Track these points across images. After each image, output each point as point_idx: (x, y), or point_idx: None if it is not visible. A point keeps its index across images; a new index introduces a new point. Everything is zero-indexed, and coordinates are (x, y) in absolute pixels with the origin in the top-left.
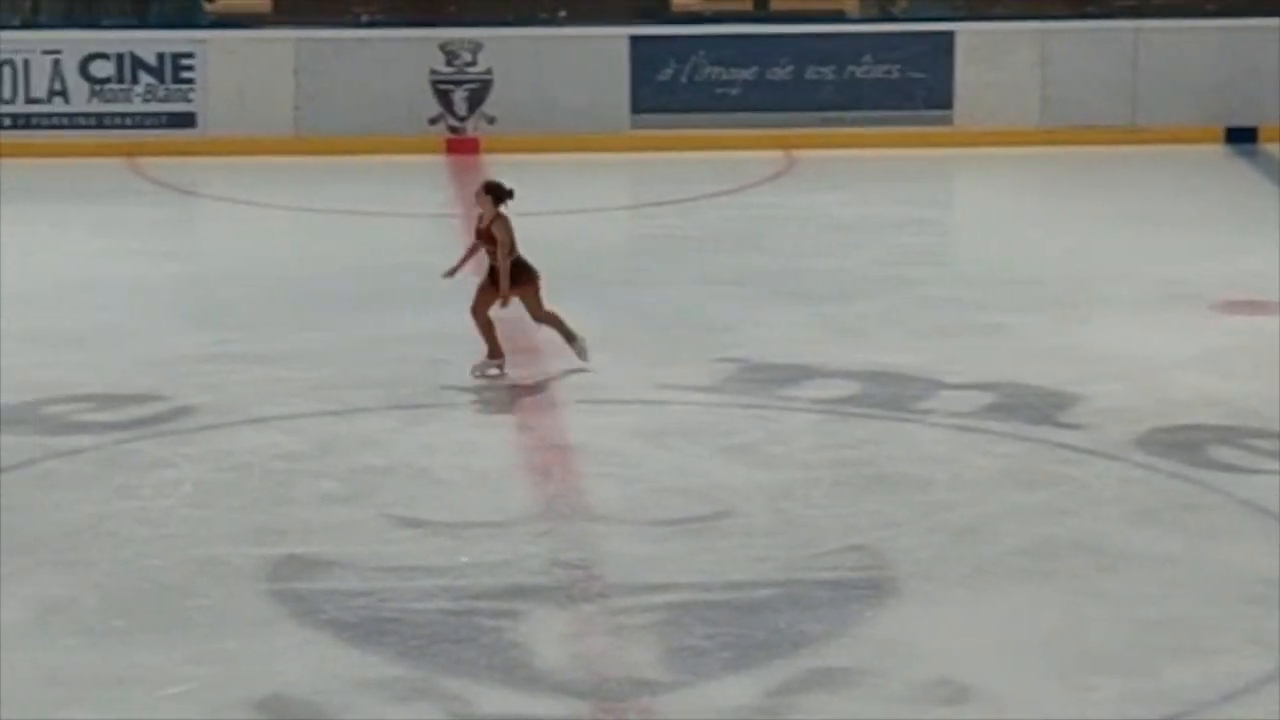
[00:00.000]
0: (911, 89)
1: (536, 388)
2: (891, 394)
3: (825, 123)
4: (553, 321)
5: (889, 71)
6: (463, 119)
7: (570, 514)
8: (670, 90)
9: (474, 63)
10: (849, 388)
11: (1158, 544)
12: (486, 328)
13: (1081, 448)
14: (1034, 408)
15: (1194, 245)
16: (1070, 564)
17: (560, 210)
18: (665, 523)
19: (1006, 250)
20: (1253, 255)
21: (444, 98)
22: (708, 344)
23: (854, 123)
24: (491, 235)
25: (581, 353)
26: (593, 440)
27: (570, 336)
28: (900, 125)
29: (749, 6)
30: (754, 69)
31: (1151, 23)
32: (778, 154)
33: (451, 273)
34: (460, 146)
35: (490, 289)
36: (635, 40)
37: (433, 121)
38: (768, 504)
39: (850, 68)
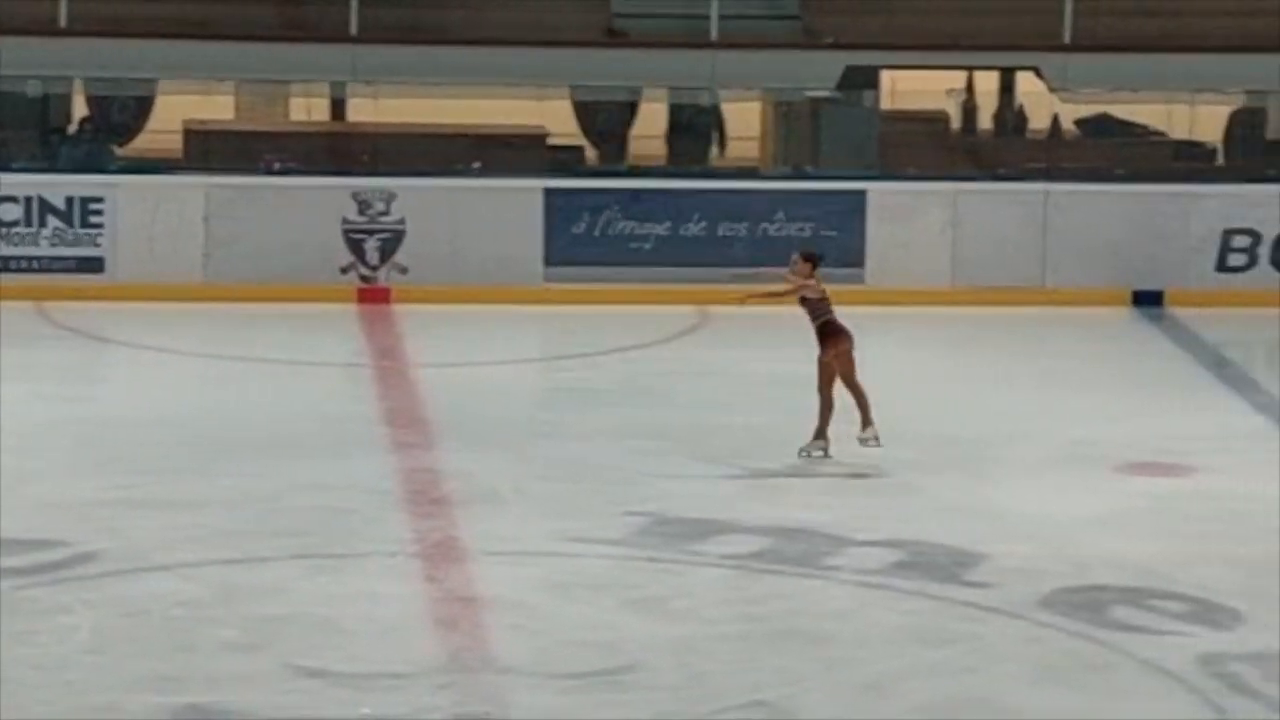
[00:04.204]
0: (823, 247)
1: (445, 539)
2: (799, 550)
3: (737, 279)
4: (857, 394)
5: (801, 229)
6: (374, 268)
7: (475, 666)
8: (583, 244)
9: (387, 212)
10: (757, 543)
11: (1059, 703)
12: (823, 403)
13: (986, 606)
14: (940, 566)
15: (1100, 407)
16: None
17: (471, 362)
18: (570, 676)
19: (916, 409)
20: (1158, 418)
21: (356, 247)
22: (617, 497)
23: (765, 279)
24: (805, 299)
25: (865, 439)
26: (500, 592)
27: (865, 421)
28: None
29: (663, 162)
30: (667, 224)
31: (1061, 186)
32: (690, 309)
33: (743, 301)
34: (371, 296)
35: (825, 361)
36: (549, 193)
37: (344, 270)
38: (673, 658)
39: (763, 225)
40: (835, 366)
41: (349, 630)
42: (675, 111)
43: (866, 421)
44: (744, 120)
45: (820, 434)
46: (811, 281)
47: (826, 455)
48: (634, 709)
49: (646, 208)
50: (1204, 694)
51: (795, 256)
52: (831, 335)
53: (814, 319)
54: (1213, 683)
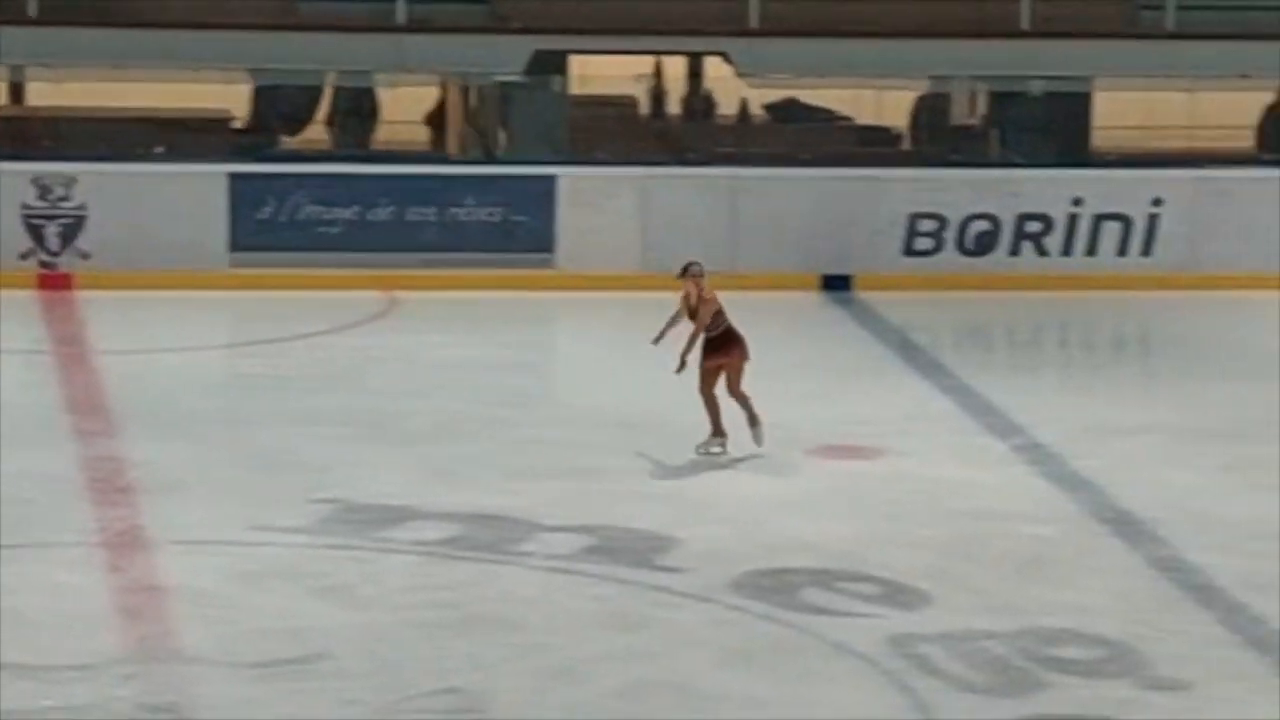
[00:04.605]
0: (513, 231)
1: (129, 528)
2: (489, 536)
3: (426, 264)
4: (743, 401)
5: (491, 214)
6: (55, 254)
7: (161, 656)
8: (270, 229)
9: (68, 197)
10: (446, 529)
11: (749, 686)
12: (712, 406)
13: (677, 590)
14: (632, 550)
15: (791, 391)
16: (662, 706)
17: (156, 349)
18: (257, 665)
19: (607, 393)
20: (847, 401)
21: (36, 232)
22: (304, 484)
23: (455, 264)
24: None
25: (758, 438)
26: (186, 581)
27: (754, 420)
28: (502, 268)
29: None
30: (355, 209)
31: (749, 170)
32: (379, 294)
33: (658, 339)
34: (53, 282)
35: (711, 369)
36: (234, 178)
37: (24, 256)
38: (361, 646)
39: (452, 209)
40: (724, 373)
41: (31, 621)
42: (337, 96)
43: (754, 421)
44: (418, 104)
45: (717, 430)
46: (710, 296)
47: (724, 451)
48: (323, 697)
49: (333, 192)
50: (893, 674)
51: (696, 269)
52: (731, 343)
53: (714, 329)
54: (901, 663)
